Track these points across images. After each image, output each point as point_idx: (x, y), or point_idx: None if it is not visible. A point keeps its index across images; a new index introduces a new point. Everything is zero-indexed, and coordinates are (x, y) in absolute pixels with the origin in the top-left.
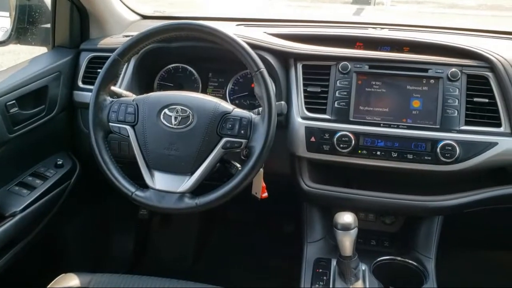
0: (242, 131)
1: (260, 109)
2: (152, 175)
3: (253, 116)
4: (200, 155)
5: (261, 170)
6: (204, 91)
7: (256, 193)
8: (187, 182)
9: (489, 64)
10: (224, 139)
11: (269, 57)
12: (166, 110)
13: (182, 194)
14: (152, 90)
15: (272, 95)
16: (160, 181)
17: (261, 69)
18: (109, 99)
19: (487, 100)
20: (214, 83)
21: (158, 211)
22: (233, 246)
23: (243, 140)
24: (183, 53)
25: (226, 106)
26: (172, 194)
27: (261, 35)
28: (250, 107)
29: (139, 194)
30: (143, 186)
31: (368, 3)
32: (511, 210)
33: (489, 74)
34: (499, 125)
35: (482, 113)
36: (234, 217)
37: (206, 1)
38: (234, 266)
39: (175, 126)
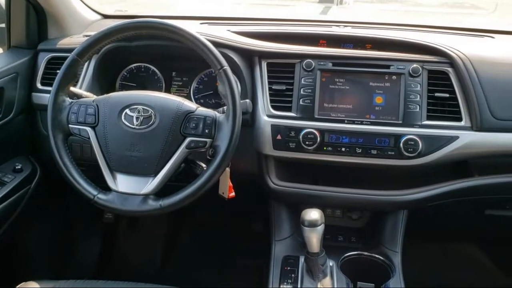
0: (206, 130)
1: (225, 107)
2: (114, 178)
3: (218, 114)
4: (163, 156)
5: (227, 169)
6: (167, 90)
7: (223, 193)
8: (150, 184)
9: (449, 60)
10: (188, 139)
11: (233, 55)
12: (127, 110)
13: (146, 196)
14: (114, 91)
15: (236, 93)
16: (123, 183)
17: (225, 67)
18: (68, 100)
19: (447, 95)
20: (178, 82)
21: (121, 214)
22: (202, 247)
23: (208, 140)
24: (146, 52)
25: (190, 105)
26: (136, 196)
27: (225, 33)
28: (215, 106)
29: (101, 197)
30: (106, 189)
31: (331, 1)
32: (474, 203)
33: (449, 70)
34: (459, 119)
35: (443, 107)
36: (203, 218)
37: (174, 2)
38: (203, 267)
39: (137, 127)
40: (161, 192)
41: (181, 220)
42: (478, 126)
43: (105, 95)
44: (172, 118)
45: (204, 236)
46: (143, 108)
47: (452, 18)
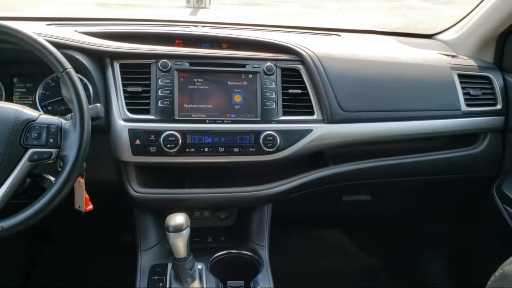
0: (50, 140)
1: (72, 114)
2: None
3: (63, 122)
4: (1, 172)
5: (82, 180)
6: (9, 98)
7: (79, 207)
8: None
9: (300, 58)
10: (30, 151)
11: (80, 57)
12: None
13: None
14: None
15: (82, 97)
16: None
17: (68, 69)
18: None
19: (300, 91)
20: (21, 89)
21: None
22: (66, 266)
23: (53, 150)
24: None
25: (30, 113)
26: None
27: (71, 34)
28: (65, 113)
29: None
30: None
31: (188, 2)
32: (332, 190)
33: (300, 67)
34: (312, 113)
35: (297, 103)
36: (65, 236)
37: (37, 4)
38: (68, 287)
39: None
40: (4, 212)
41: (41, 239)
42: (329, 118)
43: None
44: (10, 129)
45: (67, 255)
46: None
47: (307, 18)
